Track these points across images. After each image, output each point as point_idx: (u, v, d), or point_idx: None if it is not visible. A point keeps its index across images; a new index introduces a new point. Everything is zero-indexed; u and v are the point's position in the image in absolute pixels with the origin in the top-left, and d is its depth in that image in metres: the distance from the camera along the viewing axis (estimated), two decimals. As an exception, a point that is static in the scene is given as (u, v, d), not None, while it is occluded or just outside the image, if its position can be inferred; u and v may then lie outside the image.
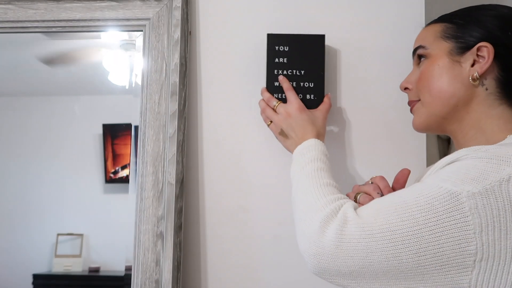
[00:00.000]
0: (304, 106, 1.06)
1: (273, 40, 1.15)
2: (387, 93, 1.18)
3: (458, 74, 0.85)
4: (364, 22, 1.19)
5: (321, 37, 1.15)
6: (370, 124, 1.18)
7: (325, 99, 1.11)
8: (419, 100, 0.91)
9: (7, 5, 1.21)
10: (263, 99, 1.11)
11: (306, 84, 1.14)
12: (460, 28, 0.87)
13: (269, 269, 1.18)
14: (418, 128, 0.93)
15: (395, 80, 1.18)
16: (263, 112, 1.10)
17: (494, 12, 0.86)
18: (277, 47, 1.14)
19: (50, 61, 1.30)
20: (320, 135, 1.02)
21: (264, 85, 1.17)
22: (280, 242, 1.19)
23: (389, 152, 1.17)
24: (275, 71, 1.14)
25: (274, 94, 1.13)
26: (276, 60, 1.14)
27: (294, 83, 1.14)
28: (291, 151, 1.01)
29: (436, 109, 0.88)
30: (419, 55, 0.93)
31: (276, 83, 1.14)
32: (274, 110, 1.07)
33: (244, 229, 1.19)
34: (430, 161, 1.16)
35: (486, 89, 0.84)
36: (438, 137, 1.41)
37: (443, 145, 1.16)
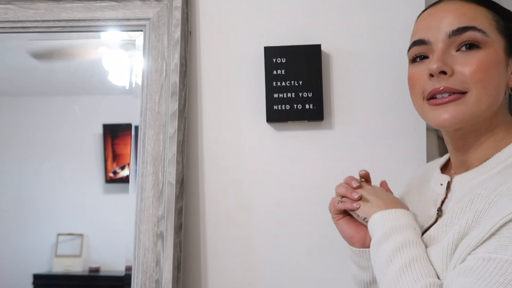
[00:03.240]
0: None
1: (270, 52, 1.16)
2: (386, 94, 1.18)
3: (505, 77, 0.78)
4: (361, 25, 1.19)
5: (317, 47, 1.15)
6: (370, 125, 1.18)
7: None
8: (465, 92, 0.76)
9: (7, 5, 1.21)
10: (343, 184, 0.94)
11: (305, 94, 1.15)
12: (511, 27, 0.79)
13: (269, 269, 1.18)
14: (453, 122, 0.78)
15: (393, 81, 1.18)
16: (345, 193, 0.90)
17: None
18: (274, 59, 1.15)
19: (41, 55, 1.30)
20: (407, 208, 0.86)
21: (264, 86, 1.17)
22: (280, 242, 1.19)
23: (390, 153, 1.17)
24: (274, 83, 1.15)
25: (274, 106, 1.15)
26: (274, 72, 1.15)
27: (293, 94, 1.14)
28: (370, 213, 0.86)
29: (485, 109, 0.77)
30: (467, 40, 0.77)
31: (276, 95, 1.14)
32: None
33: (244, 229, 1.19)
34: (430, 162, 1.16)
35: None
36: (438, 137, 1.41)
37: (443, 145, 1.16)
